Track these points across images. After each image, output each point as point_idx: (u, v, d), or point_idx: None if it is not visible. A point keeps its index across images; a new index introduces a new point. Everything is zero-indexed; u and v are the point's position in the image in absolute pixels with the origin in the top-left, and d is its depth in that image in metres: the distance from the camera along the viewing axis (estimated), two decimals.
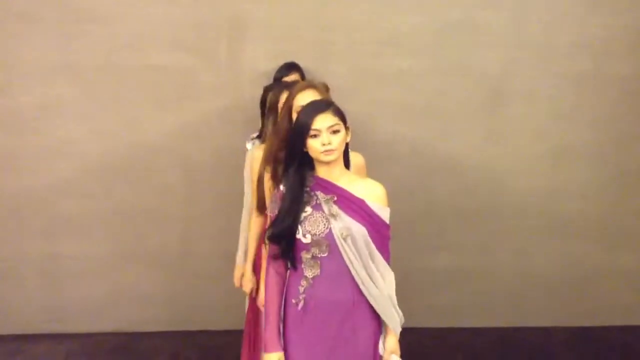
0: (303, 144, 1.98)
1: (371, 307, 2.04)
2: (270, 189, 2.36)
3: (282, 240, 2.00)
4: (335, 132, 1.97)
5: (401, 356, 2.12)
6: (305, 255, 2.00)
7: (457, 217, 3.74)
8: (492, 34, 3.55)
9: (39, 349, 3.61)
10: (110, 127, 3.58)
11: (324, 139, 1.95)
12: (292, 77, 3.21)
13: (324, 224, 1.98)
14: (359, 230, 1.98)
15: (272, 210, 2.06)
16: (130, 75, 3.53)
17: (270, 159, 2.33)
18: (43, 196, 3.63)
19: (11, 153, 3.59)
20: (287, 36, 3.51)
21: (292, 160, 2.03)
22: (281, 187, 2.05)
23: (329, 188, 2.02)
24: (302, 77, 3.25)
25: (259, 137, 3.16)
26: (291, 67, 3.30)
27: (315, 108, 1.99)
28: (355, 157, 2.40)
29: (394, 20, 3.52)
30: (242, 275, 2.84)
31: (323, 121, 1.95)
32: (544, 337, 3.73)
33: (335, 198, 2.00)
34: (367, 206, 2.01)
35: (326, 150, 1.96)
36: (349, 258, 1.98)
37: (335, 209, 1.99)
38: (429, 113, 3.63)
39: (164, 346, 3.64)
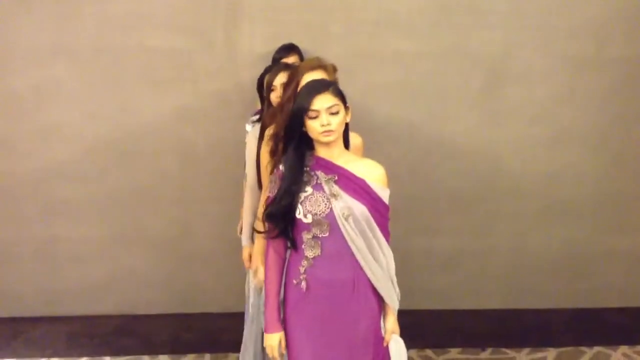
0: (302, 124, 1.97)
1: (372, 287, 2.04)
2: (267, 166, 2.34)
3: (281, 219, 2.00)
4: (335, 113, 1.96)
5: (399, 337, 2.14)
6: (306, 236, 2.00)
7: (455, 200, 3.74)
8: (491, 16, 3.52)
9: (39, 332, 3.62)
10: (106, 109, 3.56)
11: (323, 120, 1.94)
12: (291, 58, 3.19)
13: (325, 204, 1.97)
14: (360, 210, 1.98)
15: (271, 190, 2.05)
16: (126, 57, 3.50)
17: (271, 136, 2.32)
18: (39, 179, 3.62)
19: (6, 136, 3.58)
20: (284, 18, 3.48)
21: (290, 139, 2.01)
22: (280, 167, 2.04)
23: (330, 167, 2.01)
24: (301, 58, 3.23)
25: (259, 120, 3.15)
26: (290, 48, 3.27)
27: (315, 88, 1.97)
28: (353, 138, 2.38)
29: (392, 1, 3.49)
30: (250, 255, 2.83)
31: (322, 102, 1.94)
32: (541, 319, 3.75)
33: (336, 178, 1.99)
34: (367, 186, 2.01)
35: (325, 131, 1.95)
36: (350, 238, 1.97)
37: (336, 188, 1.98)
38: (427, 95, 3.61)
39: (163, 329, 3.66)
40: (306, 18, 3.48)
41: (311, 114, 1.94)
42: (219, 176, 3.61)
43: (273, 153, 2.30)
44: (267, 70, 3.03)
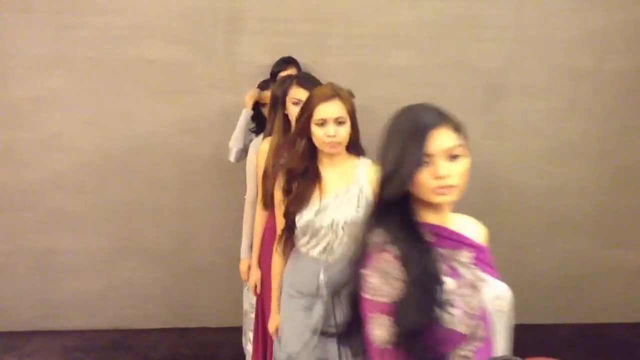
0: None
1: None
2: (280, 204, 2.13)
3: (413, 340, 1.22)
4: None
5: None
6: (459, 353, 1.26)
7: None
8: (490, 29, 3.53)
9: (34, 346, 3.57)
10: (106, 120, 3.54)
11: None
12: (290, 71, 3.17)
13: (475, 298, 1.29)
14: (508, 293, 1.35)
15: (382, 294, 1.26)
16: (126, 68, 3.49)
17: (283, 170, 2.11)
18: (37, 190, 3.59)
19: (4, 146, 3.55)
20: (283, 30, 3.48)
21: (391, 201, 1.32)
22: (391, 251, 1.29)
23: (456, 239, 1.39)
24: (299, 71, 3.21)
25: (256, 131, 3.13)
26: (288, 61, 3.25)
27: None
28: None
29: (392, 14, 3.50)
30: (249, 268, 2.80)
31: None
32: (542, 335, 3.71)
33: (474, 254, 1.37)
34: (489, 254, 1.43)
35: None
36: (498, 340, 1.31)
37: (477, 271, 1.35)
38: None
39: (160, 343, 3.61)
40: (306, 30, 3.48)
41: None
42: (218, 188, 3.59)
43: (286, 192, 2.10)
44: (267, 84, 3.03)
